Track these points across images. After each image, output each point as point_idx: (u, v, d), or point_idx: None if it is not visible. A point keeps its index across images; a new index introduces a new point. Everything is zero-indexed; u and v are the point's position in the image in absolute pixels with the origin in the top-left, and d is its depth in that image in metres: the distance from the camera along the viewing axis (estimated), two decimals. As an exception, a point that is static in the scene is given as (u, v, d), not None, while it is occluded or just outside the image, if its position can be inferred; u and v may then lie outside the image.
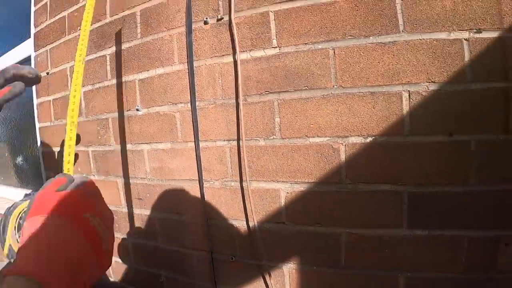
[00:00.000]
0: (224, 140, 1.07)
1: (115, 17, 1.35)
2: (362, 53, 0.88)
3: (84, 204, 0.52)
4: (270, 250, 1.04)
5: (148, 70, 1.23)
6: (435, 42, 0.83)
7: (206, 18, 1.07)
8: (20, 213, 0.59)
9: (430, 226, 0.86)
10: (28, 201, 0.57)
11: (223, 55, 1.05)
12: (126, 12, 1.30)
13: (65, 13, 1.61)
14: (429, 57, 0.83)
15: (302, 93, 0.94)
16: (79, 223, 0.49)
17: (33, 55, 1.85)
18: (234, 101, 1.04)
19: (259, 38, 0.99)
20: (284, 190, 0.99)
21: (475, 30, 0.80)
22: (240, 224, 1.08)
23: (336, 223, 0.93)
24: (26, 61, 1.98)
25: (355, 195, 0.90)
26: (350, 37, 0.89)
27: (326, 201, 0.94)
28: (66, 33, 1.60)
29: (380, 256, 0.91)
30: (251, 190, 1.04)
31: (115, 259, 1.47)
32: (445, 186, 0.84)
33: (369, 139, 0.88)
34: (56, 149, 1.71)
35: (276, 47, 0.97)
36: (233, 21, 1.02)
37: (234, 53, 1.02)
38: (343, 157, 0.90)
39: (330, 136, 0.91)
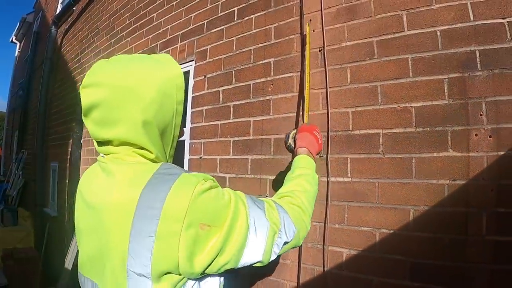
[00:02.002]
0: (317, 222, 2.08)
1: (256, 137, 2.44)
2: (392, 187, 1.84)
3: (314, 128, 1.70)
4: (334, 284, 1.99)
5: (275, 175, 2.29)
6: (429, 184, 1.74)
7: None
8: (293, 133, 1.74)
9: (422, 280, 1.70)
10: (296, 130, 1.77)
11: (321, 176, 2.06)
12: (264, 136, 2.38)
13: (218, 122, 2.72)
14: (425, 191, 1.73)
15: (360, 203, 1.93)
16: (313, 134, 1.66)
17: (188, 141, 2.97)
18: (325, 202, 2.05)
19: (341, 170, 2.02)
20: (345, 253, 1.96)
21: (452, 179, 1.64)
22: (319, 268, 2.05)
23: (370, 272, 1.85)
24: (181, 144, 3.06)
25: (382, 259, 1.82)
26: (386, 177, 1.86)
27: (366, 260, 1.88)
28: (218, 136, 2.70)
29: (393, 294, 1.82)
30: (328, 251, 2.02)
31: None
32: (429, 260, 1.69)
33: (391, 231, 1.81)
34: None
35: (350, 177, 1.99)
36: (328, 159, 2.05)
37: (327, 176, 2.05)
38: (377, 238, 1.85)
39: (371, 227, 1.88)
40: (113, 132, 1.00)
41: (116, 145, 1.03)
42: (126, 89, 0.97)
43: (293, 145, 1.75)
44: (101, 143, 1.06)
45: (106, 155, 1.08)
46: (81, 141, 5.13)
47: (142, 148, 1.03)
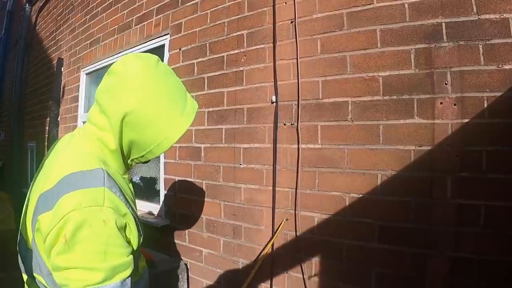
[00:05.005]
0: (289, 188, 2.10)
1: (229, 107, 2.42)
2: (360, 152, 1.86)
3: None
4: (306, 248, 2.02)
5: (249, 143, 2.29)
6: (396, 150, 1.77)
7: (285, 122, 2.12)
8: None
9: (389, 242, 1.76)
10: None
11: (292, 143, 2.08)
12: (237, 106, 2.37)
13: (193, 94, 2.64)
14: (392, 158, 1.78)
15: (330, 169, 1.95)
16: None
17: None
18: (296, 168, 2.06)
19: (311, 137, 2.03)
20: (317, 217, 1.99)
21: (418, 145, 1.73)
22: (292, 233, 2.08)
23: (341, 235, 1.90)
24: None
25: (351, 222, 1.86)
26: (355, 144, 1.88)
27: (337, 223, 1.92)
28: (193, 108, 2.67)
29: (362, 257, 1.84)
30: (300, 216, 2.04)
31: (209, 250, 2.48)
32: (395, 222, 1.75)
33: (360, 195, 1.85)
34: (175, 177, 2.78)
35: (320, 144, 2.00)
36: (299, 127, 2.05)
37: (298, 143, 2.06)
38: (347, 203, 1.88)
39: (341, 192, 1.91)
40: (107, 100, 1.02)
41: (99, 112, 1.05)
42: (141, 87, 1.01)
43: None
44: (93, 106, 1.09)
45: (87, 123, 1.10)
46: (58, 119, 5.00)
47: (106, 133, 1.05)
